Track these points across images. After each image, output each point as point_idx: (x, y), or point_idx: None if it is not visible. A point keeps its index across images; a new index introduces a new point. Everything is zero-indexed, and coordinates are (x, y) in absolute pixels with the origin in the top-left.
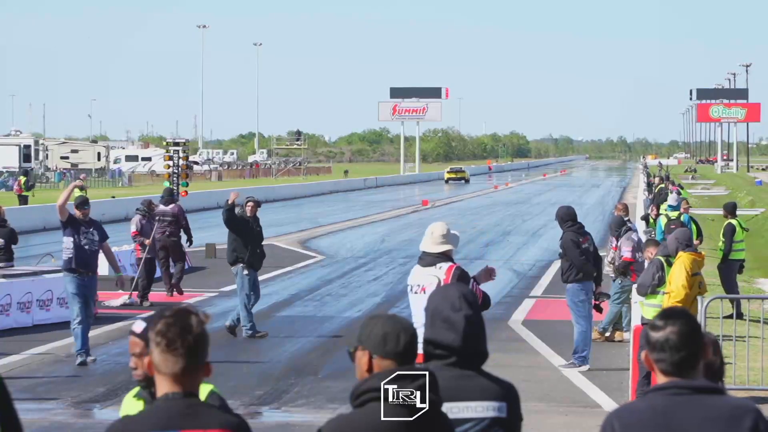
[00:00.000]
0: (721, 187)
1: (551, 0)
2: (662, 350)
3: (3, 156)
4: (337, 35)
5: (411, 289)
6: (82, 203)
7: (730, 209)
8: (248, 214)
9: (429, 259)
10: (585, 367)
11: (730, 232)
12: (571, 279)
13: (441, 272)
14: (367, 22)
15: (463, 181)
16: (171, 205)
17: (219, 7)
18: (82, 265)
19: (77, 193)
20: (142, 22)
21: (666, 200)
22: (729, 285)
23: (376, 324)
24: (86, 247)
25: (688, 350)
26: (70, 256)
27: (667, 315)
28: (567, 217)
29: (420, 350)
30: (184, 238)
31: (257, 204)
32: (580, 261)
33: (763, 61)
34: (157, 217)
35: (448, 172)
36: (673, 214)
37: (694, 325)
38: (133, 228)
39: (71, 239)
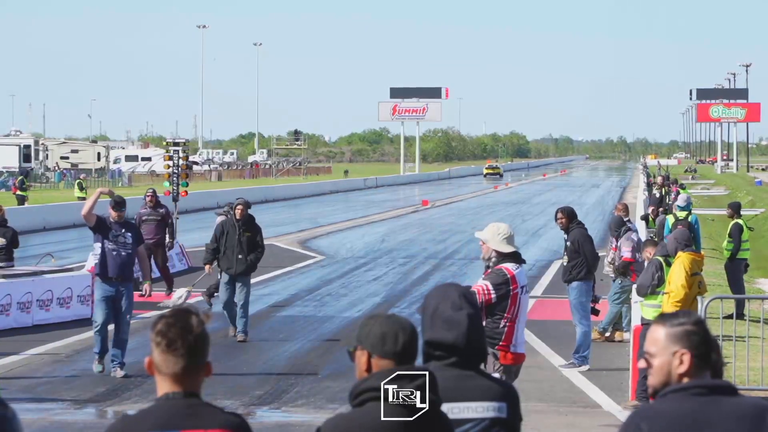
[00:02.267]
0: (721, 187)
1: (551, 0)
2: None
3: (3, 156)
4: (337, 35)
5: (524, 291)
6: (119, 204)
7: (736, 208)
8: (237, 217)
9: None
10: (585, 367)
11: (738, 231)
12: (581, 276)
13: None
14: (367, 22)
15: (498, 176)
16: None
17: (219, 7)
18: (110, 271)
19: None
20: (142, 22)
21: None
22: (736, 284)
23: (375, 324)
24: (114, 252)
25: (709, 346)
26: (97, 262)
27: (685, 313)
28: (575, 216)
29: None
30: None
31: (246, 206)
32: (594, 255)
33: (763, 61)
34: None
35: (486, 168)
36: (681, 214)
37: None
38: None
39: (99, 245)
